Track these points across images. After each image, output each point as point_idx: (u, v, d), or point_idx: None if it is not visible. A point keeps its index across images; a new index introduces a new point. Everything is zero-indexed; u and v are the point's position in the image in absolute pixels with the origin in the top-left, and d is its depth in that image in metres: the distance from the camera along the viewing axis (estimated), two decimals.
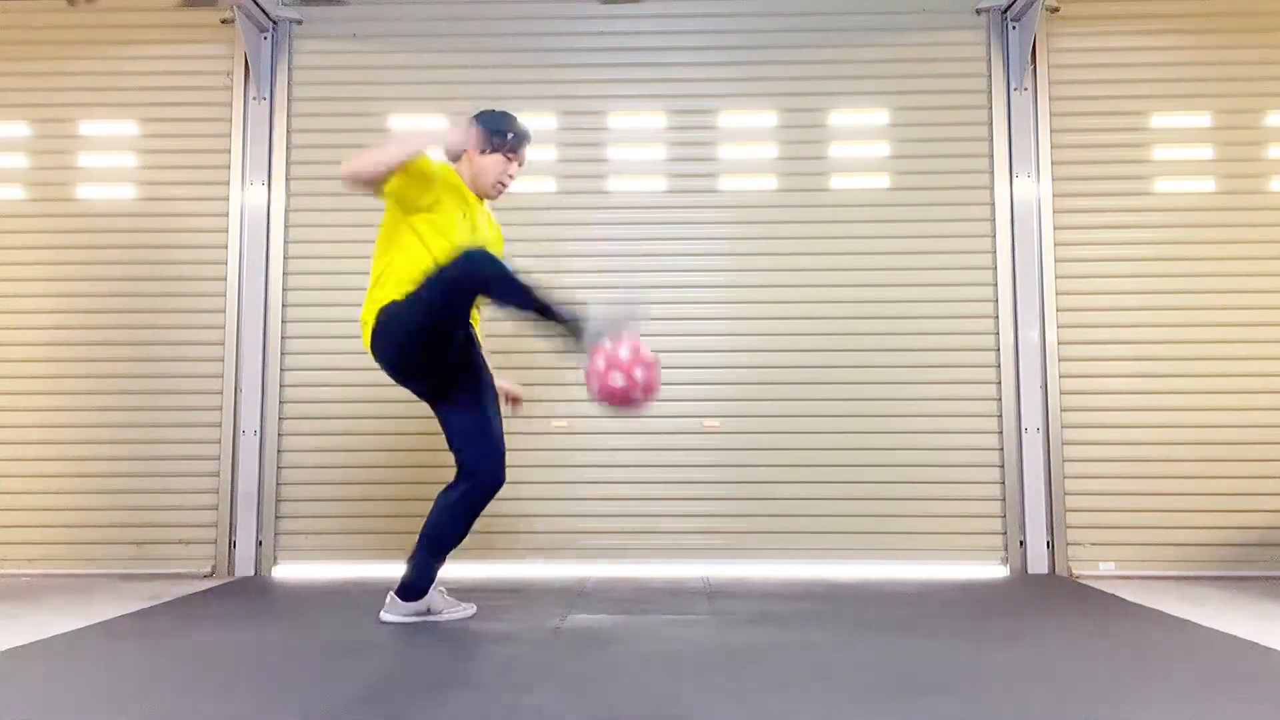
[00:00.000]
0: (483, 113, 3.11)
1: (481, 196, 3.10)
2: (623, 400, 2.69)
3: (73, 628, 2.96)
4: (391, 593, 3.04)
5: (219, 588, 3.86)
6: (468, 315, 2.87)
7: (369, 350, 2.96)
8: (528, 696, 2.12)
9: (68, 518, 4.25)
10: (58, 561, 4.23)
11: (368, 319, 2.94)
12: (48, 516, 4.26)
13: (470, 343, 3.00)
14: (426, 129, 2.72)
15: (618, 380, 2.65)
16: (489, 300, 2.80)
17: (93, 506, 4.26)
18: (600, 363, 2.67)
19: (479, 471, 2.94)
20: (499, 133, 3.05)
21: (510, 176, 3.11)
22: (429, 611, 3.05)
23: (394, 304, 2.86)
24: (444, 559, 3.00)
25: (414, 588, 3.01)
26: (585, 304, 2.73)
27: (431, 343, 2.84)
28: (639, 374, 2.65)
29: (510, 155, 3.07)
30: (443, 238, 2.91)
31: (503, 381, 3.25)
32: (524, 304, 2.73)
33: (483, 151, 3.04)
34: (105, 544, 4.24)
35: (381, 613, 3.04)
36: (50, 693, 2.17)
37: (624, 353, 2.66)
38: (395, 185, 2.86)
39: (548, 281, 4.28)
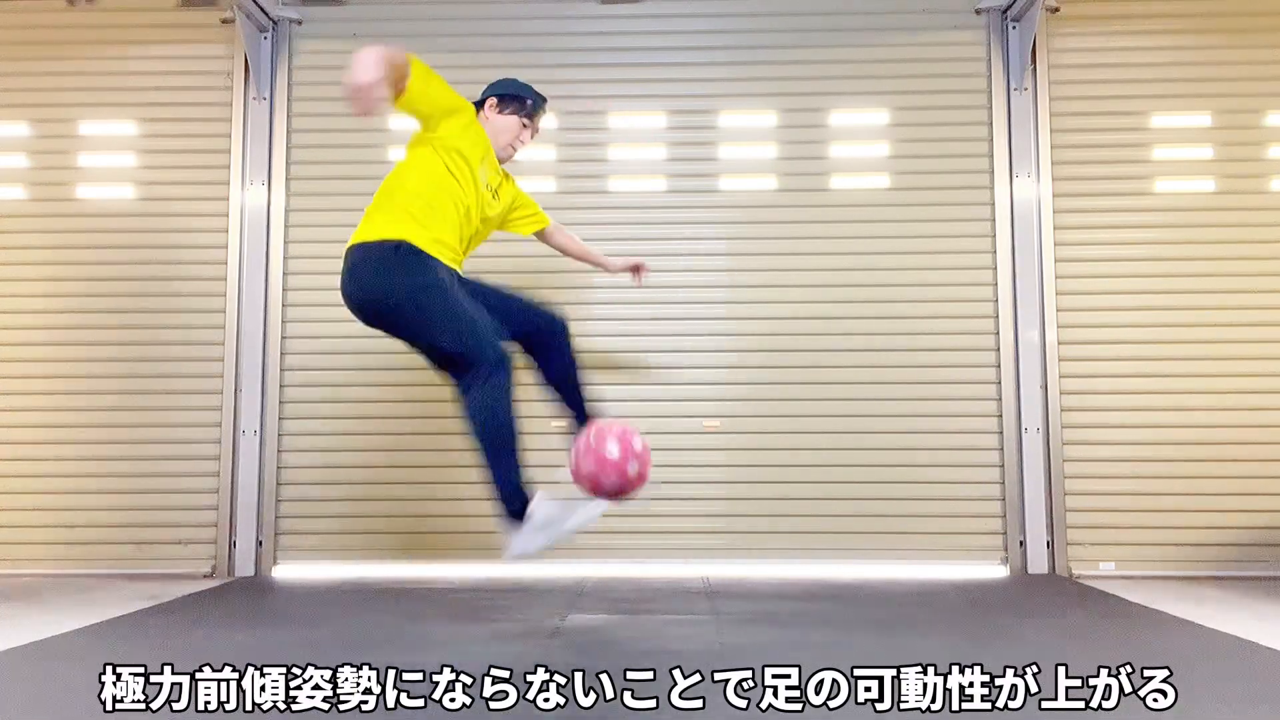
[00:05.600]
0: (501, 80, 3.11)
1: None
2: (614, 493, 2.77)
3: (73, 628, 2.95)
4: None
5: (219, 588, 3.86)
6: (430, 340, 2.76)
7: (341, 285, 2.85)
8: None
9: (68, 518, 4.25)
10: (58, 561, 4.22)
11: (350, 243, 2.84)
12: (48, 516, 4.26)
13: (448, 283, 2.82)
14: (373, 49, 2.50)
15: (610, 476, 2.72)
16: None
17: (93, 506, 4.25)
18: (589, 463, 2.73)
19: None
20: (517, 97, 3.05)
21: (522, 142, 3.10)
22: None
23: (365, 246, 2.76)
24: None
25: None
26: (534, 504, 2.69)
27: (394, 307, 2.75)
28: (633, 469, 2.72)
29: (526, 121, 3.07)
30: (459, 158, 2.83)
31: (624, 260, 3.44)
32: (484, 405, 2.68)
33: (500, 111, 3.04)
34: (105, 544, 4.23)
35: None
36: (50, 693, 2.17)
37: (613, 450, 2.71)
38: (413, 91, 2.69)
39: (551, 282, 4.29)
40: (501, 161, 3.11)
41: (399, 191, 2.87)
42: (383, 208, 2.88)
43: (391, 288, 2.77)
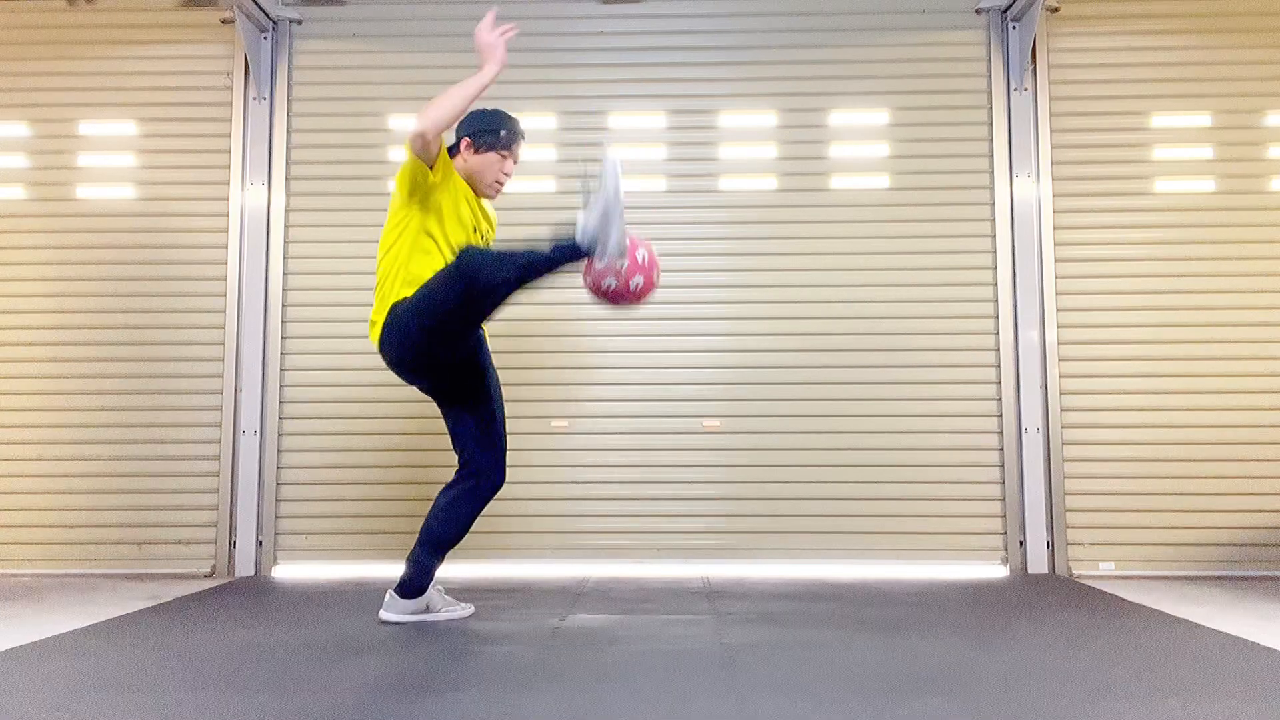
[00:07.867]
0: (474, 112, 3.05)
1: (479, 195, 3.07)
2: (627, 299, 2.88)
3: (73, 628, 2.96)
4: (391, 591, 3.05)
5: (219, 588, 3.86)
6: (479, 317, 2.82)
7: (378, 348, 2.94)
8: (527, 696, 2.12)
9: (68, 518, 4.25)
10: (59, 561, 4.23)
11: (377, 318, 2.91)
12: (48, 516, 4.26)
13: (479, 344, 3.01)
14: (473, 78, 2.80)
15: (636, 281, 2.83)
16: (493, 293, 2.74)
17: (93, 506, 4.26)
18: (609, 280, 2.83)
19: (481, 471, 2.99)
20: (491, 131, 3.02)
21: (506, 174, 3.07)
22: (428, 609, 3.06)
23: (404, 300, 2.84)
24: (443, 558, 3.02)
25: (413, 586, 3.02)
26: (571, 223, 2.73)
27: (440, 341, 2.81)
28: (638, 280, 2.82)
29: (504, 153, 3.03)
30: (453, 222, 2.91)
31: None
32: (524, 277, 2.73)
33: (476, 150, 3.02)
34: (106, 544, 4.24)
35: (381, 611, 3.05)
36: (50, 693, 2.17)
37: (622, 263, 2.82)
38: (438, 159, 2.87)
39: (550, 282, 4.30)
40: (490, 198, 3.11)
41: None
42: None
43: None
